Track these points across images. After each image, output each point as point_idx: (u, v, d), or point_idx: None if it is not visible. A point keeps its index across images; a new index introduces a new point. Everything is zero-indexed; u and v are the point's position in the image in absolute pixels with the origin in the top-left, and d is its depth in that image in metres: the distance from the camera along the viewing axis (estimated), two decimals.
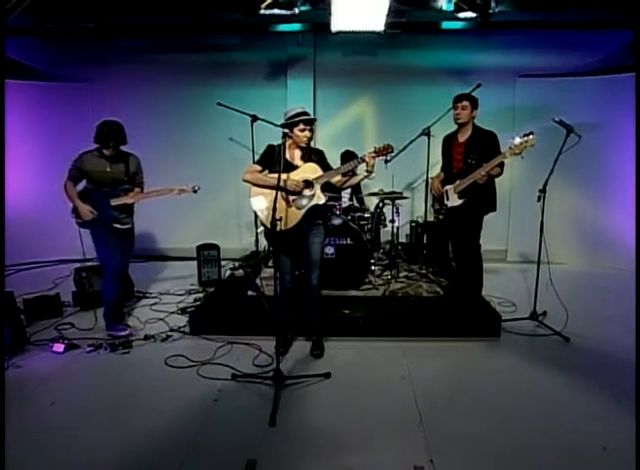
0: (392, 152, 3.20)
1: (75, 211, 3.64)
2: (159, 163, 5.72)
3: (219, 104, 5.23)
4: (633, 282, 4.95)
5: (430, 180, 4.44)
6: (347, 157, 5.21)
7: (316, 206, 3.25)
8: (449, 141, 3.97)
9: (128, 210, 3.75)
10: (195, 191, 3.77)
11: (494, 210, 3.88)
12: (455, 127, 3.90)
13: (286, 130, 3.23)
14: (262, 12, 4.62)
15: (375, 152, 3.14)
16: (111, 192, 3.63)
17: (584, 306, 4.37)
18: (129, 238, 3.83)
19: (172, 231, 6.49)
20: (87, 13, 5.20)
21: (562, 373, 3.18)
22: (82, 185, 3.69)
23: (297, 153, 3.32)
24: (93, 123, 3.59)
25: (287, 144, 3.25)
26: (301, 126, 3.19)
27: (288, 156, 3.27)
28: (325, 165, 3.31)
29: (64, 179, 3.62)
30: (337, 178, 3.27)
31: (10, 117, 5.25)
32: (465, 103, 3.74)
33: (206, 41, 6.11)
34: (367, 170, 3.16)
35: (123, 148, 3.67)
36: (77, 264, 4.75)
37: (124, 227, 3.72)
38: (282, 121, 3.29)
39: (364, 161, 3.14)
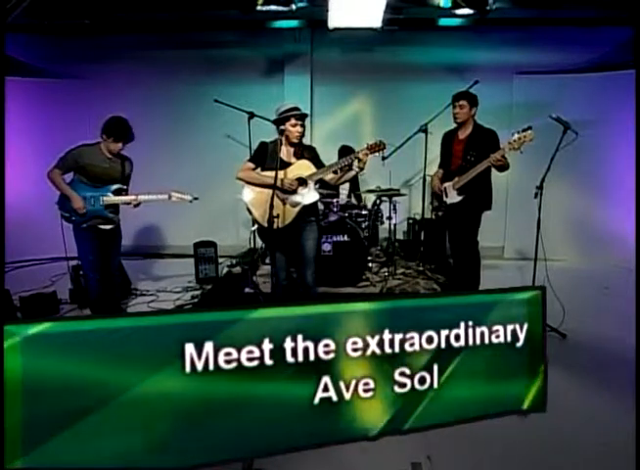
0: (385, 148, 3.21)
1: (63, 201, 3.54)
2: (155, 159, 5.73)
3: (217, 101, 5.22)
4: (630, 279, 4.94)
5: (427, 177, 4.45)
6: (345, 152, 5.21)
7: (310, 203, 3.25)
8: (449, 138, 3.96)
9: (115, 206, 3.68)
10: (191, 201, 3.71)
11: (489, 208, 3.89)
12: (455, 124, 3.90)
13: (282, 127, 3.22)
14: (259, 8, 4.61)
15: (368, 149, 3.14)
16: (104, 189, 3.54)
17: (581, 303, 4.37)
18: (115, 238, 3.75)
19: (169, 228, 6.47)
20: (83, 9, 5.18)
21: (558, 370, 3.16)
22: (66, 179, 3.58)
23: (291, 150, 3.31)
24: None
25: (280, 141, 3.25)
26: (293, 121, 3.18)
27: (281, 153, 3.26)
28: (318, 163, 3.32)
29: (49, 167, 3.50)
30: (330, 175, 3.27)
31: (6, 115, 5.22)
32: (462, 102, 3.74)
33: (203, 38, 6.07)
34: (359, 167, 3.16)
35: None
36: (74, 262, 4.72)
37: (109, 227, 3.63)
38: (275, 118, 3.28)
39: (358, 158, 3.14)
